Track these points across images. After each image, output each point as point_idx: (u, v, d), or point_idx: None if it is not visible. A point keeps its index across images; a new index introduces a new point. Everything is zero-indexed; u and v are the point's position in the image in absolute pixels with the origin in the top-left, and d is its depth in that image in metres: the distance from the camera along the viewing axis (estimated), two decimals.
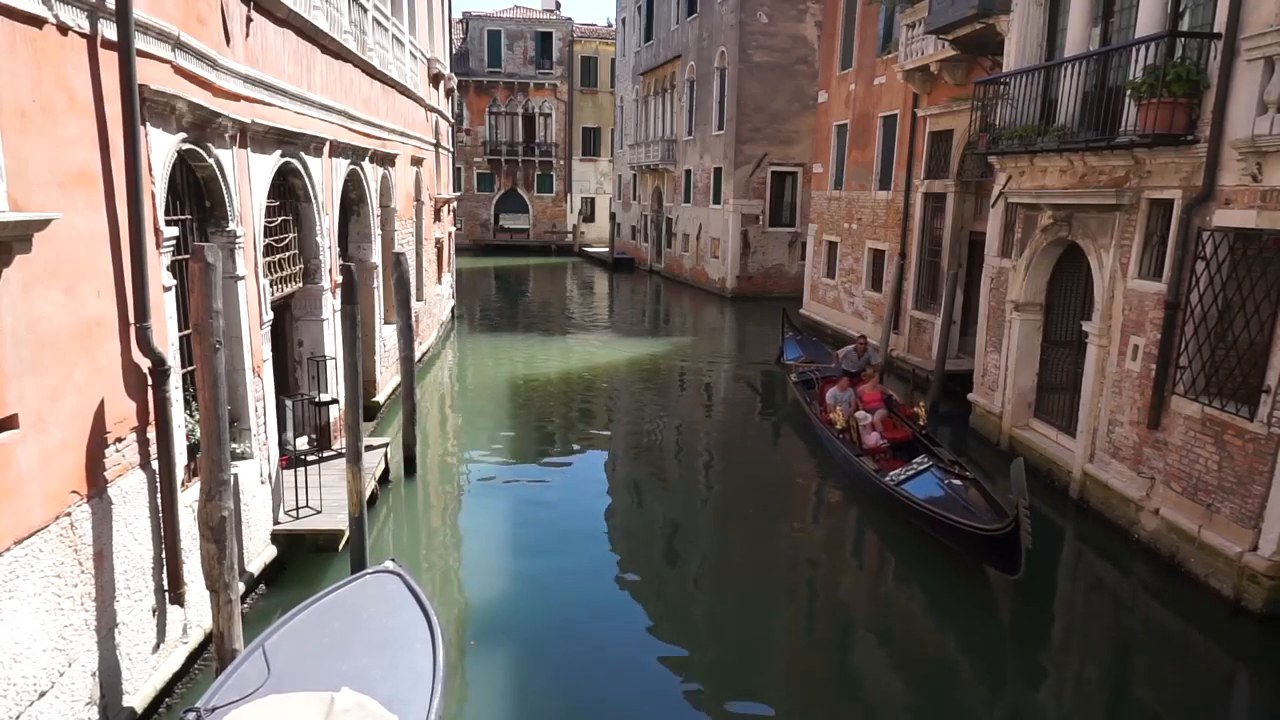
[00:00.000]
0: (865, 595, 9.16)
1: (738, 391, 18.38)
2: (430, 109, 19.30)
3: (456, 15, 49.57)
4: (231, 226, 7.53)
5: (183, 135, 6.60)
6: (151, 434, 6.14)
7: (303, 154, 9.63)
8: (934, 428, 12.64)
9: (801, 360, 16.29)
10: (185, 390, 6.91)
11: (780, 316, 19.09)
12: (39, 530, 4.89)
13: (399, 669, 5.53)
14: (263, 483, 8.31)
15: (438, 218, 20.56)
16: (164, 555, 6.34)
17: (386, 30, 14.27)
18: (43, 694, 4.92)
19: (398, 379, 13.67)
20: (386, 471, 11.04)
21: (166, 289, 6.41)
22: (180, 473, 6.48)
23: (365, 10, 12.65)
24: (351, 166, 11.90)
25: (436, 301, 20.53)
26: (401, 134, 15.63)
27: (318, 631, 5.86)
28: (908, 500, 9.68)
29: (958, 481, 9.68)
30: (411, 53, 16.67)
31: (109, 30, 5.51)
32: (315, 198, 10.18)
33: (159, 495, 6.25)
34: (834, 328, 22.51)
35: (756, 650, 7.63)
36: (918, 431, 11.75)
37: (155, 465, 6.19)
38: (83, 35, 5.31)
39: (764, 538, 10.11)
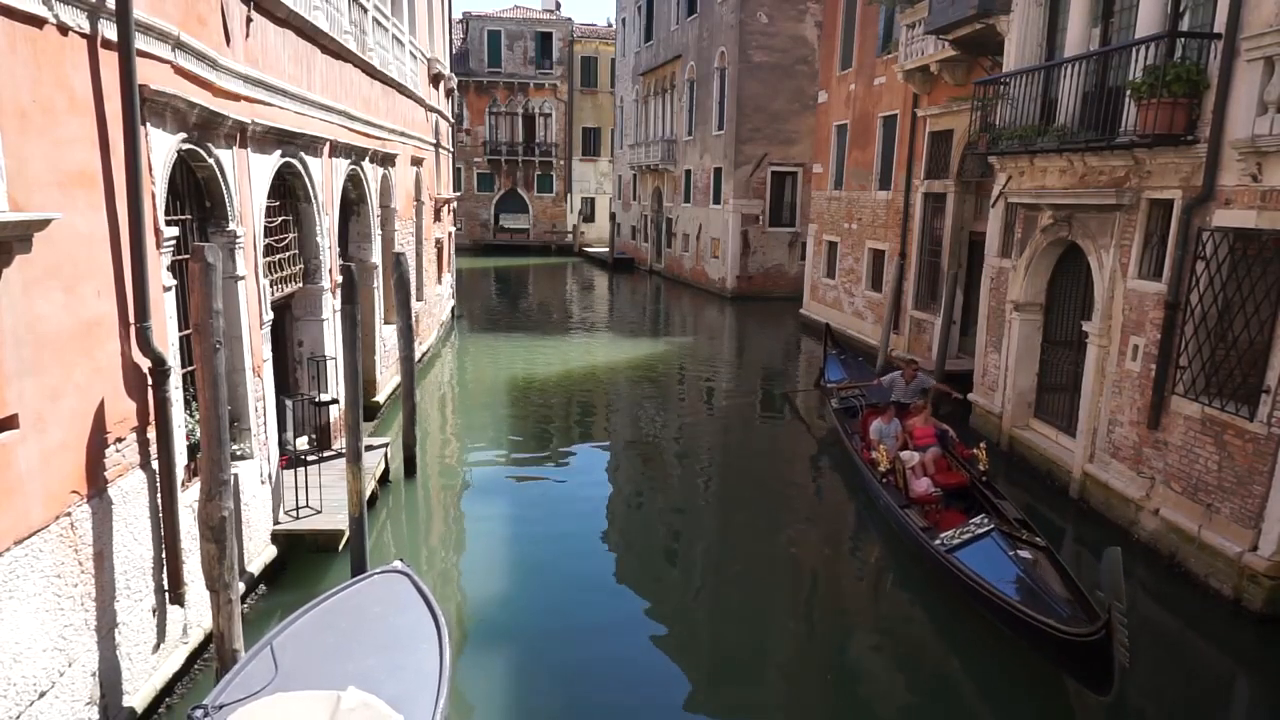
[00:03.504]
0: (898, 680, 7.40)
1: (745, 405, 17.05)
2: (430, 109, 19.30)
3: (456, 15, 49.57)
4: (231, 226, 7.53)
5: (183, 135, 6.60)
6: (151, 434, 6.14)
7: (303, 154, 9.63)
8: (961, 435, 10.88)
9: (845, 383, 13.99)
10: (185, 390, 6.90)
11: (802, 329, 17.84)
12: (39, 530, 4.89)
13: (406, 669, 5.56)
14: (263, 483, 8.31)
15: (438, 218, 20.55)
16: (164, 555, 6.34)
17: (386, 30, 14.27)
18: (43, 694, 4.92)
19: (398, 379, 13.67)
20: (386, 471, 11.04)
21: (166, 289, 6.41)
22: (180, 473, 6.48)
23: (365, 10, 12.65)
24: (351, 166, 11.90)
25: (436, 301, 20.53)
26: (401, 134, 15.63)
27: (325, 631, 5.89)
28: (961, 575, 7.85)
29: (1026, 553, 7.87)
30: (411, 53, 16.67)
31: (109, 30, 5.51)
32: (315, 198, 10.18)
33: (159, 495, 6.25)
34: (834, 328, 22.49)
35: (760, 672, 7.60)
36: (976, 477, 9.84)
37: (155, 465, 6.19)
38: (83, 35, 5.31)
39: (776, 581, 9.08)
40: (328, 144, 10.53)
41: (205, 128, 6.95)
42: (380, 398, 13.98)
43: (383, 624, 6.06)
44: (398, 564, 6.82)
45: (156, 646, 6.28)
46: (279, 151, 8.92)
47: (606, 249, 44.03)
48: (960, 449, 10.55)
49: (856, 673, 7.55)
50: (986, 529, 8.33)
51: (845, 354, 15.86)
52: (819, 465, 13.42)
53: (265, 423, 8.45)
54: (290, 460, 9.41)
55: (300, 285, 10.33)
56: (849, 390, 13.56)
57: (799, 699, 7.10)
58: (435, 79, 20.19)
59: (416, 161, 17.44)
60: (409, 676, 5.47)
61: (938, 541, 8.42)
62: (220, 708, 4.96)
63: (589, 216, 51.26)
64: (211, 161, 7.13)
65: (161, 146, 6.26)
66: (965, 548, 8.13)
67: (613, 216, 45.19)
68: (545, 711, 6.67)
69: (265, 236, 8.77)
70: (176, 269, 6.71)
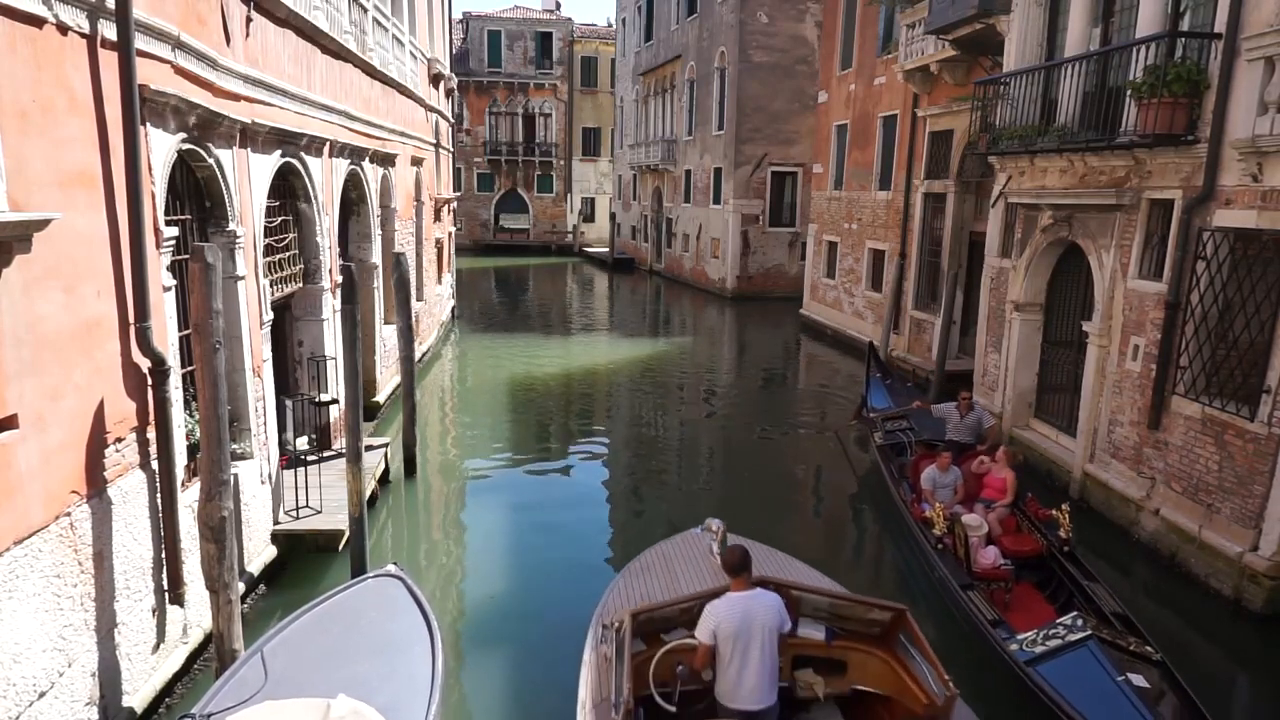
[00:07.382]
0: None
1: (746, 412, 16.84)
2: (430, 109, 19.30)
3: (456, 15, 49.61)
4: (231, 226, 7.53)
5: (182, 135, 6.60)
6: (151, 434, 6.14)
7: (303, 154, 9.63)
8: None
9: (891, 413, 11.68)
10: (185, 390, 6.90)
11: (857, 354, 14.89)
12: (39, 530, 4.89)
13: (398, 675, 5.49)
14: (263, 483, 8.31)
15: (438, 218, 20.55)
16: (164, 555, 6.34)
17: (386, 30, 14.26)
18: (42, 694, 4.92)
19: (398, 379, 13.66)
20: (386, 471, 11.03)
21: (166, 289, 6.41)
22: (180, 473, 6.48)
23: (365, 10, 12.65)
24: (351, 166, 11.90)
25: (436, 301, 20.53)
26: (401, 134, 15.63)
27: (317, 636, 5.80)
28: (1048, 700, 5.88)
29: (1139, 678, 5.78)
30: (411, 53, 16.67)
31: (109, 30, 5.51)
32: (315, 198, 10.17)
33: (159, 495, 6.25)
34: (834, 328, 22.53)
35: None
36: (1056, 546, 8.03)
37: (155, 465, 6.19)
38: (83, 35, 5.31)
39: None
40: (328, 144, 10.53)
41: (205, 128, 6.94)
42: (380, 398, 13.98)
43: (375, 629, 5.95)
44: (391, 567, 6.72)
45: (156, 647, 6.28)
46: (279, 151, 8.92)
47: (606, 249, 44.02)
48: (1034, 507, 8.66)
49: None
50: (1081, 636, 6.21)
51: (890, 377, 13.54)
52: (861, 506, 11.51)
53: (265, 423, 8.45)
54: (290, 460, 9.40)
55: (300, 285, 10.32)
56: (896, 422, 11.35)
57: None
58: (435, 79, 20.19)
59: (416, 161, 17.44)
60: (401, 683, 5.39)
61: (1014, 646, 6.44)
62: (209, 715, 4.87)
63: (589, 216, 51.24)
64: (211, 161, 7.13)
65: (161, 146, 6.26)
66: (1053, 659, 6.14)
67: (613, 216, 45.18)
68: (542, 716, 6.62)
69: (265, 236, 8.77)
70: (176, 269, 6.71)
